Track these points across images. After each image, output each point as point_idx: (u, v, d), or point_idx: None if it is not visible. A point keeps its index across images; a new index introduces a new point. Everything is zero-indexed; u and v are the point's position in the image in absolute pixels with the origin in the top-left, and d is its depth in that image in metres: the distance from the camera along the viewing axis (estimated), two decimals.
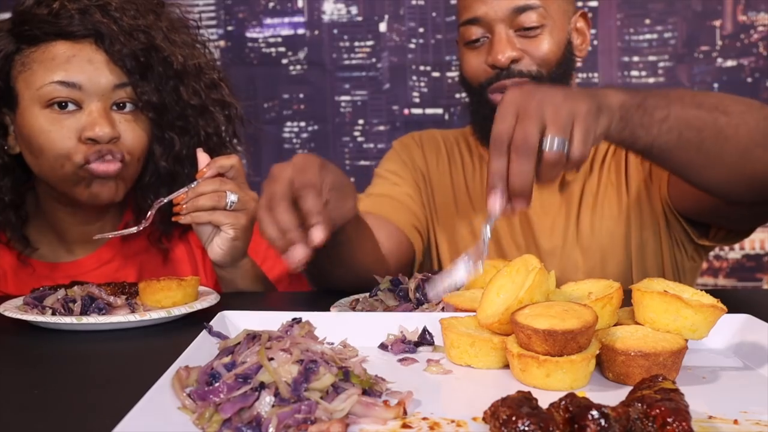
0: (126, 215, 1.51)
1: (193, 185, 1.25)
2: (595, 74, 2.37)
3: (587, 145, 0.90)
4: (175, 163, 1.42)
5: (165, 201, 1.28)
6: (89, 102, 1.32)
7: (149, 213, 1.29)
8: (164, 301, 1.14)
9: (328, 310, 1.07)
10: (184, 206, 1.24)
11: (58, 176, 1.35)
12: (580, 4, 2.35)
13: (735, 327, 0.91)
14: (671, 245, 1.47)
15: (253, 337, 0.79)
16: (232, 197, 1.25)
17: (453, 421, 0.67)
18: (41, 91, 1.31)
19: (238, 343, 0.79)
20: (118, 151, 1.33)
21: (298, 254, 0.89)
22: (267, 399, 0.66)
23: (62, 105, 1.31)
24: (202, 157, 1.28)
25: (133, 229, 1.30)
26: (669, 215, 1.46)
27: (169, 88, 1.38)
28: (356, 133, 2.47)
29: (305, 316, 0.95)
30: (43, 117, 1.31)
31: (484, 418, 0.63)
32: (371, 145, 2.45)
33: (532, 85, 0.94)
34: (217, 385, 0.69)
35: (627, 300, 0.89)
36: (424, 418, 0.68)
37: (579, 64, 1.55)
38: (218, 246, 1.29)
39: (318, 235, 0.89)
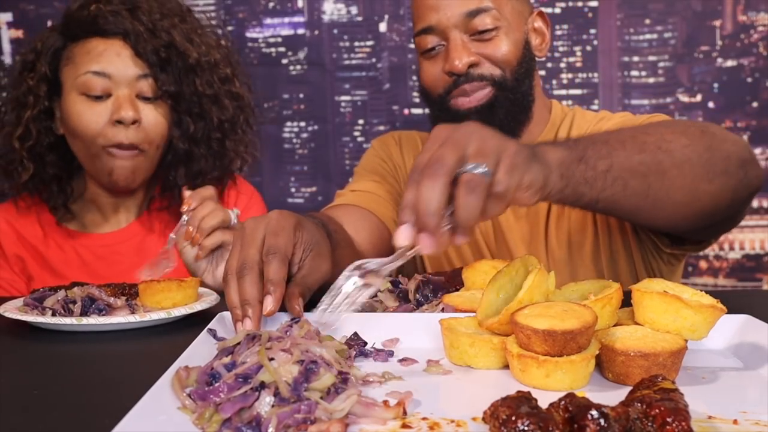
0: (156, 190, 1.71)
1: (184, 219, 1.34)
2: (595, 74, 2.37)
3: (513, 178, 0.80)
4: (191, 144, 1.63)
5: (174, 237, 1.36)
6: (117, 90, 1.54)
7: (174, 253, 1.37)
8: (164, 302, 1.14)
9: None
10: (196, 234, 1.32)
11: (87, 156, 1.58)
12: (580, 4, 2.35)
13: (735, 327, 0.91)
14: (644, 254, 1.44)
15: (253, 337, 0.79)
16: (235, 211, 1.35)
17: (453, 421, 0.67)
18: (78, 80, 1.55)
19: (238, 344, 0.79)
20: (138, 143, 1.55)
21: (247, 327, 0.88)
22: (267, 399, 0.66)
23: (96, 96, 1.53)
24: (185, 193, 1.38)
25: (169, 267, 1.37)
26: (637, 228, 1.42)
27: (186, 79, 1.59)
28: (356, 133, 2.47)
29: (305, 316, 0.95)
30: (80, 102, 1.55)
31: (483, 418, 0.63)
32: (371, 144, 2.45)
33: (464, 123, 0.85)
34: (217, 385, 0.69)
35: (627, 300, 0.89)
36: (424, 418, 0.68)
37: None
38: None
39: (268, 305, 0.89)
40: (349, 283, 0.87)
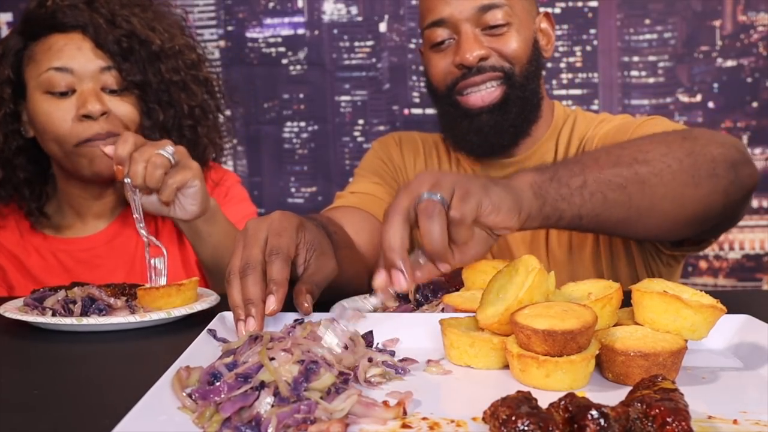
0: None
1: (129, 185, 1.28)
2: (595, 74, 2.37)
3: (467, 204, 0.84)
4: (162, 133, 1.58)
5: (140, 218, 1.30)
6: (81, 84, 1.49)
7: (157, 245, 1.30)
8: (165, 307, 1.14)
9: (329, 311, 1.07)
10: (152, 190, 1.29)
11: (62, 155, 1.52)
12: (580, 4, 2.35)
13: (735, 327, 0.91)
14: (644, 255, 1.44)
15: (255, 338, 0.79)
16: (167, 150, 1.30)
17: (453, 421, 0.67)
18: (41, 78, 1.50)
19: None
20: (114, 130, 1.48)
21: (250, 327, 0.89)
22: (267, 399, 0.66)
23: (60, 93, 1.48)
24: (107, 150, 1.34)
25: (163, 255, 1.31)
26: None
27: (151, 67, 1.55)
28: (356, 133, 2.47)
29: (306, 316, 0.95)
30: (45, 101, 1.50)
31: (483, 418, 0.63)
32: (371, 145, 2.46)
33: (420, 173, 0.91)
34: (217, 384, 0.69)
35: (627, 300, 0.89)
36: (424, 418, 0.68)
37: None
38: (190, 204, 1.35)
39: (271, 304, 0.90)
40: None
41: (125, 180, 1.28)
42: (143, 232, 1.29)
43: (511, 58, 1.42)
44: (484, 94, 1.43)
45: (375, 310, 1.04)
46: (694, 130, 1.15)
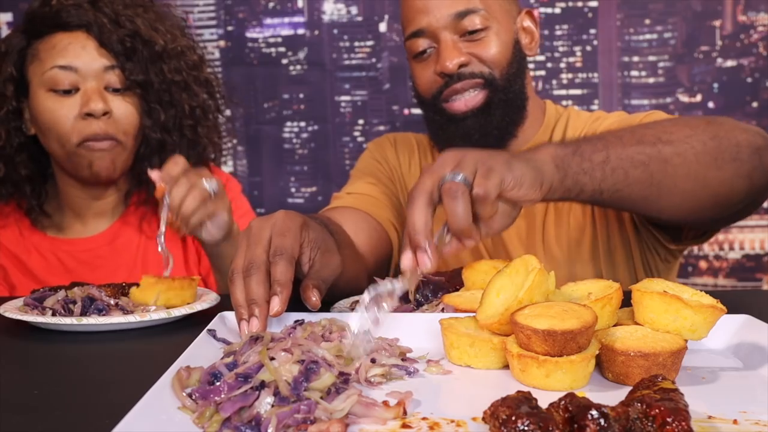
0: (131, 186, 1.68)
1: (166, 202, 1.28)
2: (595, 74, 2.37)
3: (491, 180, 0.85)
4: (163, 132, 1.60)
5: (163, 231, 1.30)
6: (84, 83, 1.52)
7: (167, 257, 1.28)
8: (174, 299, 1.14)
9: (329, 311, 1.07)
10: (179, 223, 1.30)
11: (63, 154, 1.55)
12: (580, 4, 2.35)
13: (735, 327, 0.91)
14: (642, 251, 1.45)
15: (255, 338, 0.79)
16: (212, 185, 1.31)
17: (453, 421, 0.67)
18: (45, 76, 1.52)
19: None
20: (113, 133, 1.52)
21: (253, 327, 0.88)
22: (267, 399, 0.66)
23: (64, 91, 1.51)
24: (154, 175, 1.31)
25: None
26: (638, 222, 1.42)
27: (153, 67, 1.57)
28: (356, 133, 2.47)
29: (306, 317, 0.95)
30: (48, 99, 1.52)
31: (483, 418, 0.63)
32: (366, 146, 2.46)
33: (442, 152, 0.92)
34: (218, 384, 0.69)
35: (627, 300, 0.89)
36: (424, 418, 0.68)
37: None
38: (216, 230, 1.36)
39: (275, 305, 0.90)
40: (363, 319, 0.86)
41: (165, 198, 1.28)
42: (163, 247, 1.29)
43: (491, 63, 1.43)
44: (468, 99, 1.43)
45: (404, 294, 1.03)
46: (718, 117, 1.16)
